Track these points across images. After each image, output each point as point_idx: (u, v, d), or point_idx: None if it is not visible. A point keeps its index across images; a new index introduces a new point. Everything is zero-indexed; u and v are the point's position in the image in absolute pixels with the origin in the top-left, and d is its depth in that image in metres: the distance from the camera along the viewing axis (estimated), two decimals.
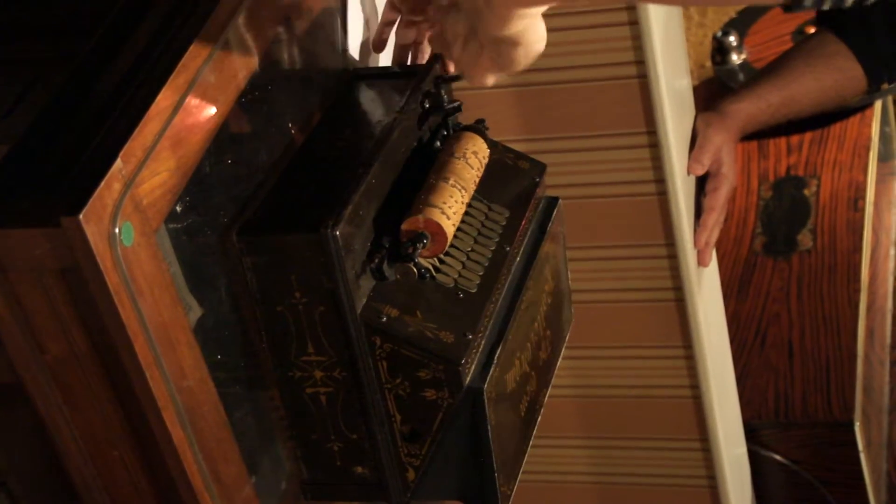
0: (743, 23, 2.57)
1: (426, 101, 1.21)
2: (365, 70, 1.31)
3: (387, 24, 1.29)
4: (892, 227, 2.38)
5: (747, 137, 1.89)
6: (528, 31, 1.06)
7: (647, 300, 1.73)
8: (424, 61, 1.27)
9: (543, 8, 1.03)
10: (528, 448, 1.24)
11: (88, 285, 0.92)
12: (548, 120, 1.63)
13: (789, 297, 2.12)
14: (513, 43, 1.06)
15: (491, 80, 1.12)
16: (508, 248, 1.20)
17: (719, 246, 1.99)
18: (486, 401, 1.11)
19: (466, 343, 1.10)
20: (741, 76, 2.46)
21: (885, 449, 2.16)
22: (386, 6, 1.28)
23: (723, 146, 1.71)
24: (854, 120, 2.33)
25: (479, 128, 1.23)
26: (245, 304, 1.11)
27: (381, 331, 1.09)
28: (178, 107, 1.00)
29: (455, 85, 1.56)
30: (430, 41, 1.14)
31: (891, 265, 2.32)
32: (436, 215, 1.11)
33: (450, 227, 1.12)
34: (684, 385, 1.78)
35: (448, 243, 1.13)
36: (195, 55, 1.03)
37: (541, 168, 1.29)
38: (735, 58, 2.51)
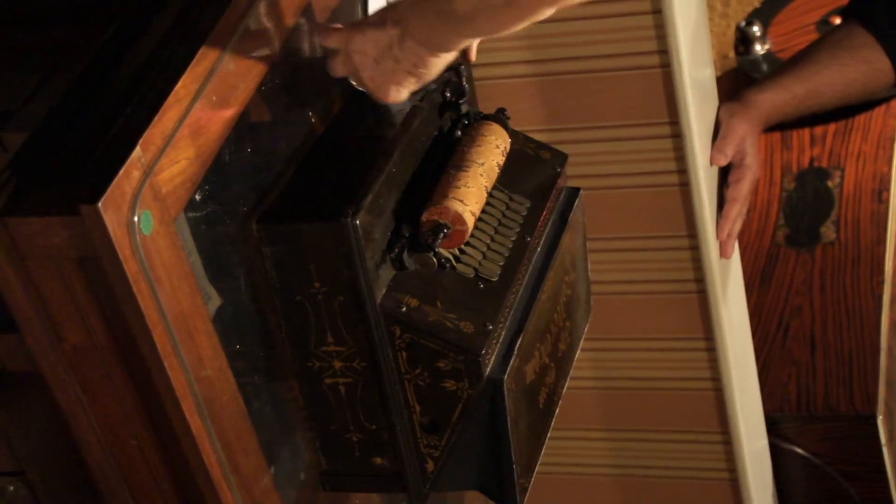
0: (767, 13, 2.56)
1: (447, 90, 1.20)
2: None
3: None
4: None
5: (770, 129, 1.88)
6: (455, 37, 1.07)
7: (669, 292, 1.72)
8: None
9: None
10: (546, 440, 1.24)
11: (107, 274, 0.92)
12: (569, 110, 1.62)
13: (812, 290, 2.11)
14: (439, 48, 1.08)
15: (405, 94, 1.13)
16: (529, 239, 1.19)
17: (742, 237, 1.97)
18: (505, 392, 1.10)
19: (486, 334, 1.10)
20: (765, 67, 2.44)
21: None
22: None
23: (746, 137, 1.70)
24: (879, 111, 2.31)
25: (500, 117, 1.22)
26: (264, 294, 1.10)
27: (400, 321, 1.09)
28: (197, 95, 0.99)
29: (476, 74, 1.56)
30: (332, 66, 1.14)
31: None
32: (456, 205, 1.10)
33: (470, 217, 1.12)
34: (705, 378, 1.78)
35: (468, 234, 1.12)
36: (215, 43, 1.02)
37: (562, 158, 1.28)
38: (758, 48, 2.49)
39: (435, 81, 1.16)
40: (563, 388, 1.27)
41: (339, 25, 1.14)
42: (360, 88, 1.15)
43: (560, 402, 1.27)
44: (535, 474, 1.21)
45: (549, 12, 1.00)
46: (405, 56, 1.09)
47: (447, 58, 1.11)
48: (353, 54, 1.11)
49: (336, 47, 1.13)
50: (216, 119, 1.02)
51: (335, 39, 1.13)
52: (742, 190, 1.70)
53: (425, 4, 1.06)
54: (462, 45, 1.10)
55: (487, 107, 1.23)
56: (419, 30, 1.07)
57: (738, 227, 1.70)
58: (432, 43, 1.08)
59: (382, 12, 1.11)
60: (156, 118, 0.95)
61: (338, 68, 1.14)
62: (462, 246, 1.14)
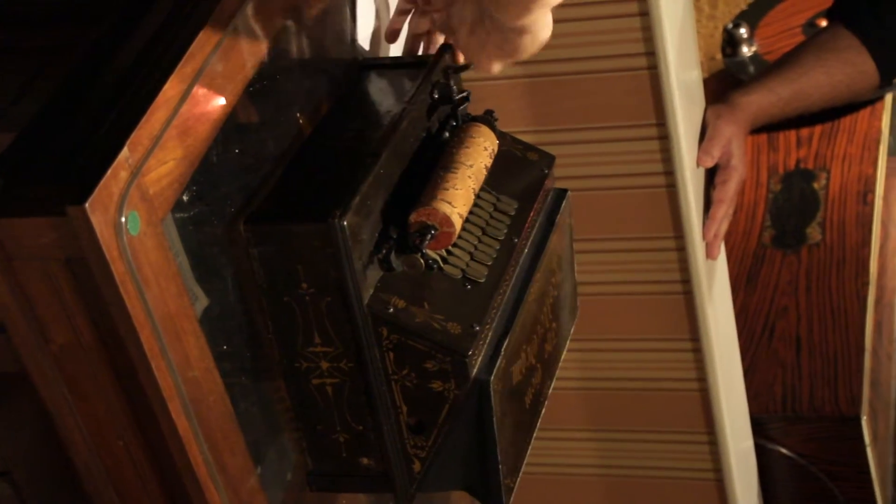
0: (753, 15, 2.57)
1: (435, 91, 1.20)
2: (374, 60, 1.30)
3: (401, 14, 1.28)
4: None
5: (757, 130, 1.88)
6: (539, 19, 1.05)
7: (655, 293, 1.73)
8: (435, 52, 1.26)
9: None
10: (533, 440, 1.24)
11: (94, 275, 0.92)
12: (557, 111, 1.62)
13: (798, 291, 2.12)
14: (521, 31, 1.06)
15: (497, 67, 1.12)
16: (517, 240, 1.19)
17: (728, 239, 1.98)
18: (492, 393, 1.10)
19: (473, 334, 1.10)
20: (752, 68, 2.45)
21: (892, 443, 2.15)
22: None
23: (733, 138, 1.70)
24: (864, 113, 2.32)
25: (488, 119, 1.22)
26: (251, 295, 1.10)
27: (388, 322, 1.09)
28: (185, 96, 0.99)
29: (464, 76, 1.56)
30: (437, 27, 1.13)
31: None
32: (444, 207, 1.10)
33: (458, 218, 1.12)
34: (691, 378, 1.78)
35: (456, 235, 1.12)
36: (203, 44, 1.02)
37: (550, 160, 1.29)
38: (745, 50, 2.50)
39: (429, 80, 1.16)
40: (549, 388, 1.28)
41: (404, 31, 1.13)
42: (463, 64, 1.14)
43: (546, 403, 1.27)
44: (521, 474, 1.21)
45: None
46: (494, 31, 1.07)
47: (536, 37, 1.06)
48: (453, 17, 1.10)
49: (439, 6, 1.10)
50: (204, 120, 1.02)
51: (424, 21, 1.12)
52: (728, 191, 1.70)
53: None
54: (538, 20, 1.04)
55: (475, 108, 1.24)
56: (494, 7, 1.04)
57: (724, 228, 1.71)
58: (505, 23, 1.05)
59: None
60: (143, 119, 0.95)
61: (433, 25, 1.11)
62: (449, 247, 1.14)
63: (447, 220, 1.10)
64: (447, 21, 1.11)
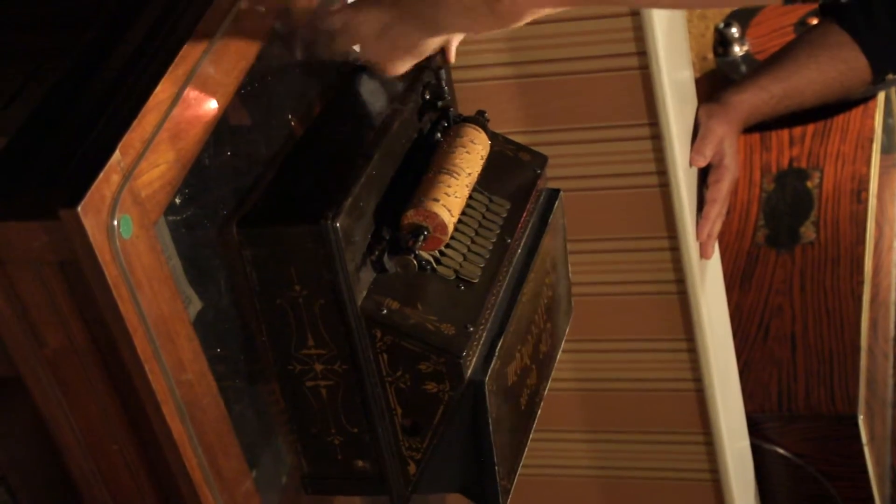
0: (745, 14, 2.57)
1: (426, 92, 1.20)
2: None
3: None
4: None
5: (749, 129, 1.88)
6: (452, 13, 1.10)
7: (649, 293, 1.73)
8: None
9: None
10: (528, 441, 1.24)
11: (87, 278, 0.92)
12: (549, 112, 1.62)
13: (792, 290, 2.12)
14: (434, 29, 1.12)
15: (405, 67, 1.17)
16: (509, 241, 1.19)
17: (722, 238, 1.98)
18: (487, 394, 1.10)
19: (468, 335, 1.10)
20: (743, 68, 2.45)
21: (889, 442, 2.15)
22: None
23: (725, 137, 1.70)
24: (857, 111, 2.32)
25: (479, 119, 1.22)
26: (245, 297, 1.10)
27: (381, 323, 1.09)
28: (177, 98, 0.99)
29: (455, 77, 1.56)
30: (333, 45, 1.18)
31: (894, 257, 2.31)
32: (436, 208, 1.10)
33: (450, 219, 1.12)
34: (687, 378, 1.78)
35: (448, 236, 1.12)
36: (194, 46, 1.02)
37: (542, 160, 1.29)
38: (737, 49, 2.50)
39: (420, 80, 1.17)
40: (544, 389, 1.28)
41: (338, 6, 1.17)
42: (361, 63, 1.19)
43: (542, 404, 1.27)
44: (517, 476, 1.21)
45: None
46: (402, 37, 1.13)
47: (440, 39, 1.14)
48: (354, 34, 1.15)
49: (338, 27, 1.16)
50: (196, 122, 1.02)
51: (338, 20, 1.16)
52: (721, 191, 1.70)
53: None
54: (455, 26, 1.12)
55: (467, 109, 1.24)
56: (411, 12, 1.10)
57: (717, 227, 1.70)
58: (425, 25, 1.11)
59: None
60: (135, 122, 0.95)
61: (339, 46, 1.17)
62: (442, 248, 1.14)
63: (439, 221, 1.10)
64: (352, 28, 1.16)
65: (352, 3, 1.19)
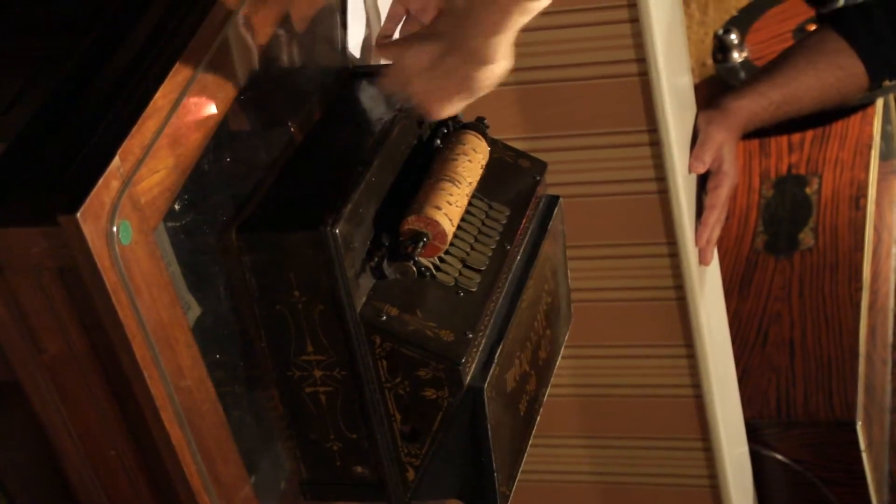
0: (744, 21, 2.57)
1: None
2: (365, 67, 1.30)
3: (392, 21, 1.28)
4: (894, 225, 2.37)
5: (748, 136, 1.88)
6: (502, 47, 1.04)
7: (648, 299, 1.73)
8: None
9: (546, 3, 1.02)
10: (528, 448, 1.24)
11: (86, 284, 0.92)
12: (548, 118, 1.62)
13: (791, 296, 2.12)
14: (484, 61, 1.05)
15: (455, 109, 1.11)
16: (509, 247, 1.19)
17: (721, 244, 1.98)
18: (486, 400, 1.10)
19: (467, 342, 1.10)
20: (742, 74, 2.45)
21: (888, 448, 2.15)
22: (393, 2, 1.28)
23: (724, 144, 1.70)
24: (855, 118, 2.32)
25: (479, 126, 1.22)
26: (244, 303, 1.10)
27: (380, 329, 1.09)
28: (176, 104, 0.99)
29: None
30: (384, 81, 1.13)
31: (892, 264, 2.32)
32: (436, 214, 1.10)
33: (450, 226, 1.12)
34: (685, 384, 1.78)
35: (448, 242, 1.12)
36: (194, 52, 1.02)
37: (541, 166, 1.29)
38: (736, 56, 2.50)
39: None
40: (544, 395, 1.27)
41: (395, 37, 1.12)
42: (408, 105, 1.13)
43: (541, 410, 1.27)
44: (516, 482, 1.21)
45: None
46: (452, 71, 1.06)
47: (496, 69, 1.07)
48: (405, 68, 1.09)
49: (389, 60, 1.11)
50: (195, 128, 1.02)
51: (389, 52, 1.11)
52: (720, 197, 1.70)
53: (464, 15, 1.03)
54: (503, 50, 1.05)
55: (466, 114, 1.24)
56: (463, 46, 1.04)
57: (716, 233, 1.71)
58: (477, 58, 1.05)
59: (433, 23, 1.09)
60: (134, 128, 0.95)
61: (388, 82, 1.11)
62: (442, 255, 1.14)
63: (439, 228, 1.10)
64: (400, 70, 1.10)
65: (400, 38, 1.14)
